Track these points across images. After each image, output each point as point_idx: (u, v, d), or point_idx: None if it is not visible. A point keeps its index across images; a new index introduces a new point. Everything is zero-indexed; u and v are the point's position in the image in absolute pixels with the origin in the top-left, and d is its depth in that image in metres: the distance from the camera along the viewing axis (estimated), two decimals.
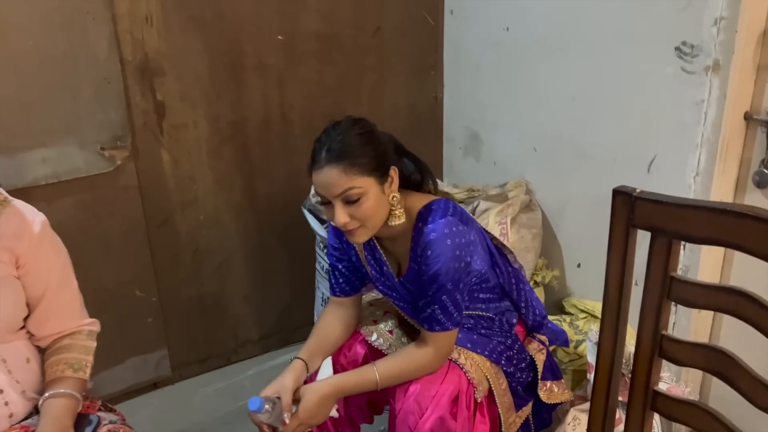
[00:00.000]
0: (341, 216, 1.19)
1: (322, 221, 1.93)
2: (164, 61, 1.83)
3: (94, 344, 1.25)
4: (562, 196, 1.96)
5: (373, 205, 1.20)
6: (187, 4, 1.82)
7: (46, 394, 1.12)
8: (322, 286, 2.03)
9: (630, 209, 0.96)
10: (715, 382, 1.55)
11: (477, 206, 1.94)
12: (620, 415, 1.38)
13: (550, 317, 1.60)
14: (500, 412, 1.35)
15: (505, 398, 1.37)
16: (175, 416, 1.98)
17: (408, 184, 1.34)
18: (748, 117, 1.49)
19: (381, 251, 1.36)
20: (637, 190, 0.96)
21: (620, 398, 1.27)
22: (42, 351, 1.22)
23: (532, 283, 1.98)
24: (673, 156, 1.60)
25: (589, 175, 1.85)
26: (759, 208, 0.84)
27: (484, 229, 1.42)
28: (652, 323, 0.99)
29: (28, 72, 1.62)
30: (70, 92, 1.69)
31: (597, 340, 1.08)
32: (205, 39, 1.87)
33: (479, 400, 1.30)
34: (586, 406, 1.43)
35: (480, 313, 1.38)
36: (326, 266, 1.68)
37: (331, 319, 1.43)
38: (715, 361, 0.94)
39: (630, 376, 1.05)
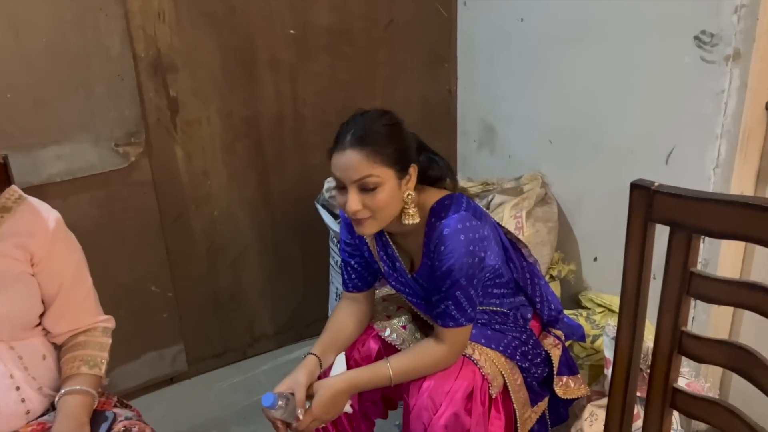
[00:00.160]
0: (354, 202, 1.19)
1: (335, 216, 1.93)
2: (177, 57, 1.83)
3: (109, 341, 1.26)
4: (578, 188, 1.94)
5: (387, 197, 1.20)
6: None
7: (62, 391, 1.13)
8: (336, 281, 2.03)
9: (648, 203, 0.95)
10: (736, 377, 1.53)
11: (492, 200, 1.92)
12: (638, 410, 1.37)
13: (566, 311, 1.58)
14: (515, 407, 1.34)
15: (520, 394, 1.36)
16: (191, 411, 2.00)
17: (424, 180, 1.33)
18: None
19: (393, 247, 1.35)
20: (656, 184, 0.94)
21: (638, 393, 1.26)
22: (58, 348, 1.23)
23: (547, 277, 1.97)
24: (692, 147, 1.57)
25: (605, 168, 1.82)
26: None
27: (498, 223, 1.40)
28: (671, 319, 0.97)
29: (41, 69, 1.63)
30: (84, 89, 1.70)
31: (614, 335, 1.07)
32: (217, 34, 1.87)
33: (494, 396, 1.29)
34: (604, 401, 1.41)
35: (494, 308, 1.37)
36: (340, 261, 1.68)
37: (344, 315, 1.42)
38: (736, 358, 0.92)
39: (648, 371, 1.04)
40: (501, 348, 1.34)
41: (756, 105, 1.45)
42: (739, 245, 1.58)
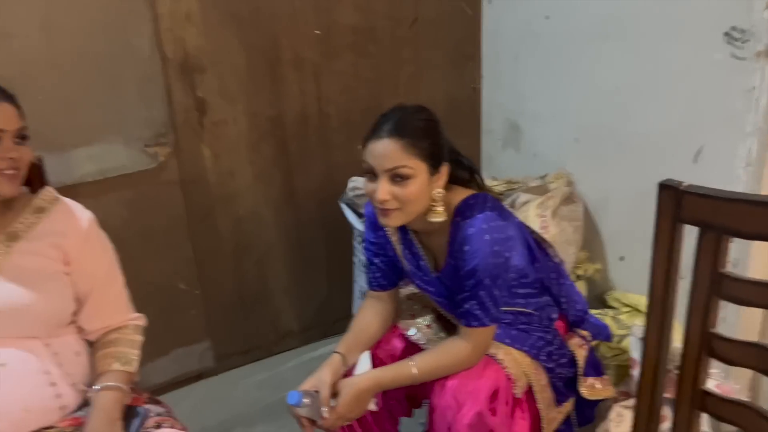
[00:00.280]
0: (383, 191, 1.20)
1: (359, 215, 1.93)
2: (204, 58, 1.85)
3: (141, 338, 1.28)
4: (605, 187, 1.92)
5: (417, 190, 1.20)
6: (225, 0, 1.84)
7: (96, 387, 1.15)
8: (361, 280, 2.04)
9: (677, 204, 0.93)
10: (766, 380, 1.50)
11: (517, 198, 1.91)
12: (665, 412, 1.35)
13: (592, 311, 1.57)
14: (540, 407, 1.33)
15: (545, 394, 1.35)
16: (218, 407, 2.03)
17: (450, 180, 1.33)
18: None
19: (418, 246, 1.35)
20: (684, 184, 0.93)
21: (665, 394, 1.24)
22: (90, 345, 1.25)
23: (573, 276, 1.95)
24: (721, 146, 1.54)
25: (632, 166, 1.80)
26: None
27: (524, 223, 1.40)
28: (700, 321, 0.96)
29: (72, 71, 1.67)
30: (114, 91, 1.73)
31: (642, 335, 1.06)
32: (243, 35, 1.89)
33: (518, 396, 1.29)
34: (630, 402, 1.40)
35: (520, 308, 1.36)
36: (364, 260, 1.69)
37: (369, 314, 1.43)
38: (767, 361, 0.91)
39: (677, 372, 1.02)
40: (526, 348, 1.33)
41: None
42: None
